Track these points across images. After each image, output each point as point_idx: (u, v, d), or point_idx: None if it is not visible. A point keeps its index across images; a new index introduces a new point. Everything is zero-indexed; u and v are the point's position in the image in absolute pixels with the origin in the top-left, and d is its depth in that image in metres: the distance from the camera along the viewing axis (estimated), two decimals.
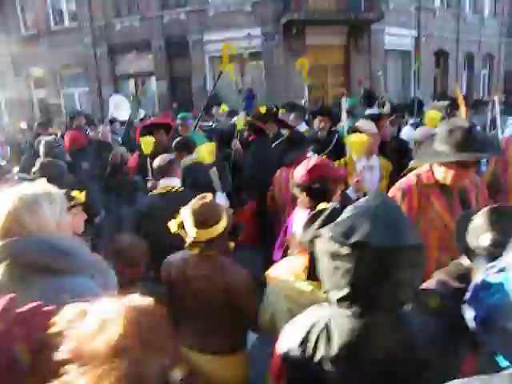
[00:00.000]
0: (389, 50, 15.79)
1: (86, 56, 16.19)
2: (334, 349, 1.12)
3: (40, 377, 0.74)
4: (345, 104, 4.67)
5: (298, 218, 2.41)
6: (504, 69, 21.73)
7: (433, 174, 2.34)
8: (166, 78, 15.98)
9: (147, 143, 4.11)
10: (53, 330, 0.78)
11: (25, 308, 0.86)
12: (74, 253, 1.43)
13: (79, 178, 3.97)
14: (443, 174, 2.26)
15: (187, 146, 4.15)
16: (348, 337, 1.11)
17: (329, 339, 1.14)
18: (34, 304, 0.88)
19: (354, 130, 3.88)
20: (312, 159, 2.42)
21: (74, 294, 1.32)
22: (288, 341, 1.24)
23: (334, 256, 1.05)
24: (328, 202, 1.98)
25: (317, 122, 5.15)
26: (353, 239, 1.02)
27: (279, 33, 14.63)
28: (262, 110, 7.47)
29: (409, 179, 2.43)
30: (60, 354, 0.74)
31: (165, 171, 3.16)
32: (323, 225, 1.51)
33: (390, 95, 12.48)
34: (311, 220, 1.64)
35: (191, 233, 2.05)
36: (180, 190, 3.15)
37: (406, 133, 5.59)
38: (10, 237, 1.35)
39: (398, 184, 2.48)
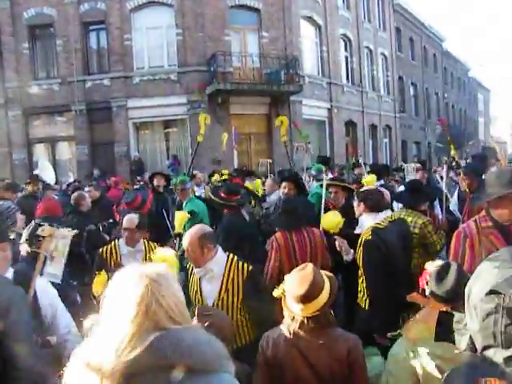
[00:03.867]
0: (306, 120, 16.99)
1: None
2: None
3: None
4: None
5: None
6: (400, 138, 24.63)
7: (489, 216, 2.64)
8: (86, 144, 15.32)
9: (182, 219, 3.60)
10: None
11: None
12: (215, 346, 1.18)
13: None
14: (499, 213, 2.53)
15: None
16: None
17: None
18: None
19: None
20: None
21: None
22: None
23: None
24: None
25: (282, 188, 5.23)
26: None
27: (204, 101, 15.03)
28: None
29: (468, 224, 2.79)
30: None
31: None
32: (458, 279, 1.76)
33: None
34: (441, 275, 1.84)
35: (295, 309, 1.92)
36: None
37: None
38: (144, 328, 1.10)
39: (460, 229, 2.83)
